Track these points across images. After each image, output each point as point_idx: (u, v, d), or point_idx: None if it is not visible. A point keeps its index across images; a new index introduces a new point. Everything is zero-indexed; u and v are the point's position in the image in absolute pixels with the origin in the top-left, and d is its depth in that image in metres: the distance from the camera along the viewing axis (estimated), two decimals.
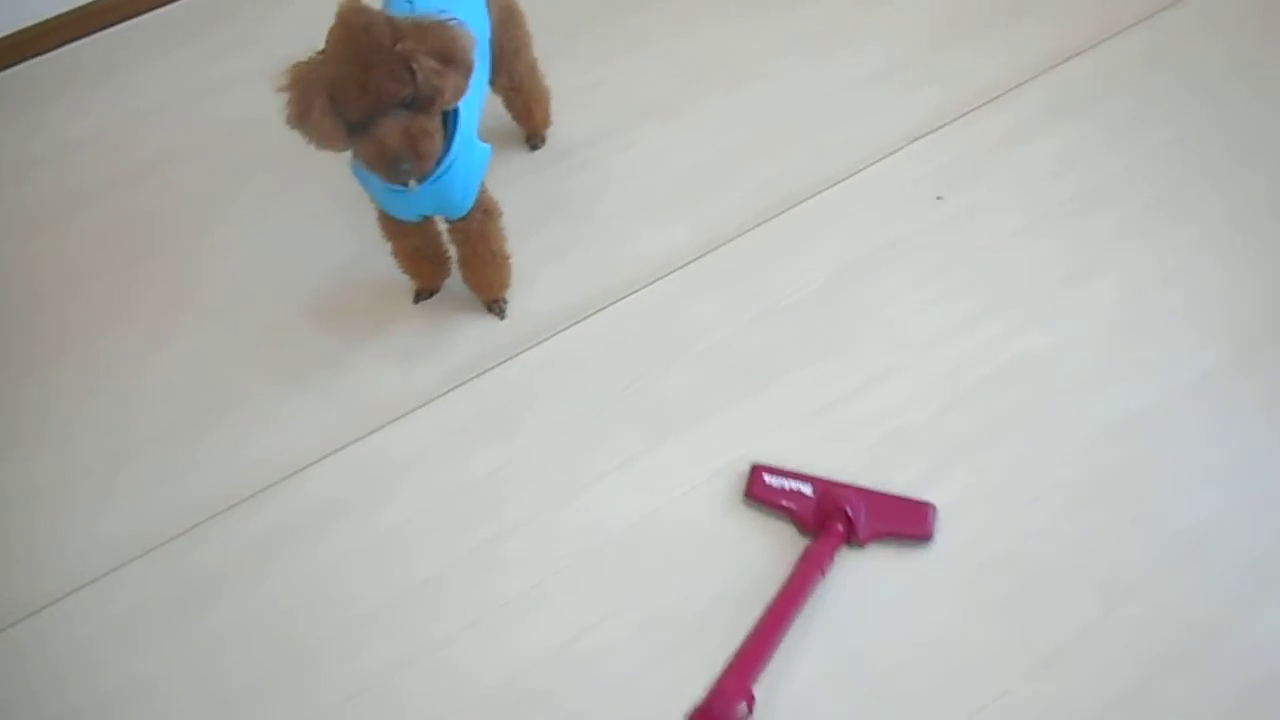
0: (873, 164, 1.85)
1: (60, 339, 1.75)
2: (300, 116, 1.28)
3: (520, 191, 1.78)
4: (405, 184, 1.39)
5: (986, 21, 2.05)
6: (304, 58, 1.28)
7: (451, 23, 1.31)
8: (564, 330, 1.68)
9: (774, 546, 1.44)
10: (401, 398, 1.63)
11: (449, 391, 1.63)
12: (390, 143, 1.28)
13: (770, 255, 1.75)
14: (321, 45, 1.28)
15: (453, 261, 1.67)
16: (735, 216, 1.79)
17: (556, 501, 1.51)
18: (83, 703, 1.39)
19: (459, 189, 1.47)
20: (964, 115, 1.90)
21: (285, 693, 1.38)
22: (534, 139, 1.90)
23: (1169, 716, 1.30)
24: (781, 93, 1.97)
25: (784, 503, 1.45)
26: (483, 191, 1.53)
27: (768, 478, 1.47)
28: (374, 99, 1.26)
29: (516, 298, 1.71)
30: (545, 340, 1.67)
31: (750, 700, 1.27)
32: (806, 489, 1.46)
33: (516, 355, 1.66)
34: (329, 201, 1.83)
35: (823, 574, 1.37)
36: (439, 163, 1.39)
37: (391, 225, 1.57)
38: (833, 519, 1.41)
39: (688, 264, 1.74)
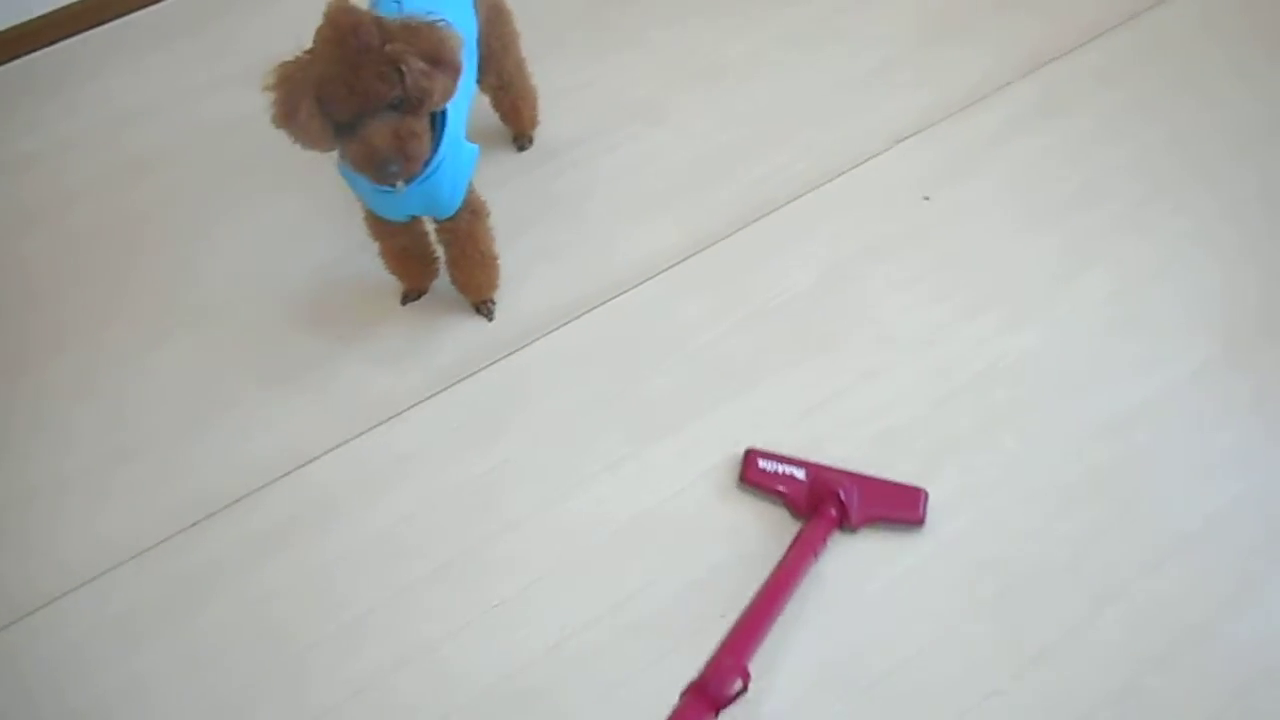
0: (861, 163, 1.85)
1: (56, 338, 1.74)
2: (287, 117, 1.27)
3: (509, 192, 1.78)
4: (393, 185, 1.39)
5: (975, 20, 2.05)
6: (290, 57, 1.27)
7: (440, 24, 1.30)
8: (553, 331, 1.68)
9: (767, 531, 1.45)
10: (392, 399, 1.62)
11: (440, 392, 1.62)
12: (378, 144, 1.27)
13: (759, 255, 1.74)
14: (309, 44, 1.27)
15: (441, 262, 1.67)
16: (724, 216, 1.79)
17: (549, 501, 1.51)
18: (80, 702, 1.39)
19: (447, 189, 1.46)
20: (952, 115, 1.90)
21: (281, 692, 1.38)
22: (521, 139, 1.89)
23: (1158, 715, 1.31)
24: (769, 93, 1.97)
25: (778, 487, 1.47)
26: (471, 192, 1.52)
27: (761, 462, 1.49)
28: (362, 100, 1.25)
29: (505, 298, 1.71)
30: (535, 341, 1.67)
31: (746, 677, 1.28)
32: (799, 473, 1.47)
33: (506, 356, 1.66)
34: (320, 201, 1.82)
35: (815, 556, 1.39)
36: (427, 163, 1.39)
37: (379, 225, 1.56)
38: (825, 503, 1.42)
39: (677, 264, 1.74)
